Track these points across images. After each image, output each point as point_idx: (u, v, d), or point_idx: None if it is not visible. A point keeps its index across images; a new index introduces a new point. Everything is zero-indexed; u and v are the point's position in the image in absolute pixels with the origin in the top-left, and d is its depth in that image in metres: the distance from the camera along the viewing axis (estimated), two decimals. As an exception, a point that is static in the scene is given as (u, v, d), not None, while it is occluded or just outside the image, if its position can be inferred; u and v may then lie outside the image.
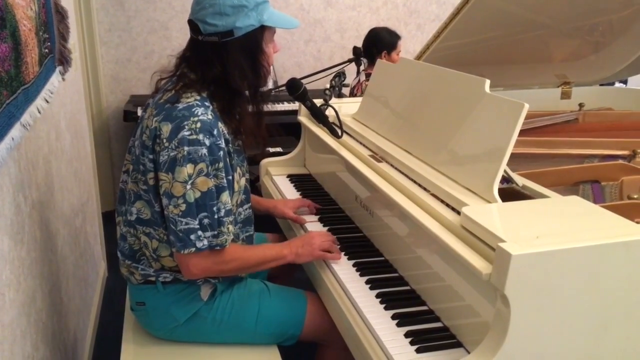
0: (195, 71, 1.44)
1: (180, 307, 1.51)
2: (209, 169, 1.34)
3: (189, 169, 1.32)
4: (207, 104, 1.39)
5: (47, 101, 1.59)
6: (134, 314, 1.61)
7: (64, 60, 1.91)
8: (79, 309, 2.11)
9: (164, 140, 1.34)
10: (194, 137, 1.33)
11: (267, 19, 1.42)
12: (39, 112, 1.48)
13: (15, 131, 1.25)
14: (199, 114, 1.35)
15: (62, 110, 2.11)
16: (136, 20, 3.73)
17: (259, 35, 1.43)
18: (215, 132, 1.36)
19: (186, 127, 1.33)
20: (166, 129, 1.35)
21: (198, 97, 1.40)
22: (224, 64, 1.41)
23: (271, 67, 1.53)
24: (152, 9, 3.73)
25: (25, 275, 1.37)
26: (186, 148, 1.32)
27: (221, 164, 1.37)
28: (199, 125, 1.34)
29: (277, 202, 1.90)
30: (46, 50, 1.65)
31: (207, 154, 1.34)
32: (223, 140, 1.38)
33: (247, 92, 1.49)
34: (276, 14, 1.45)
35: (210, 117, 1.37)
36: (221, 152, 1.37)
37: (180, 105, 1.37)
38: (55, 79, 1.75)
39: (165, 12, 3.76)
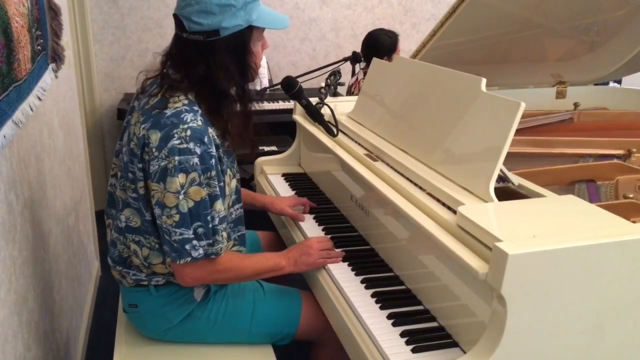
0: (179, 71, 1.39)
1: (173, 309, 1.49)
2: (202, 178, 1.31)
3: (180, 178, 1.29)
4: (195, 107, 1.35)
5: (40, 99, 1.58)
6: (126, 316, 1.59)
7: (57, 58, 1.90)
8: (71, 308, 2.10)
9: (153, 150, 1.30)
10: (185, 146, 1.29)
11: (255, 19, 1.37)
12: (31, 110, 1.47)
13: (7, 129, 1.24)
14: (188, 120, 1.31)
15: (55, 108, 2.10)
16: (130, 18, 3.71)
17: (247, 35, 1.38)
18: (205, 139, 1.32)
19: (176, 135, 1.29)
20: (155, 137, 1.31)
21: (186, 101, 1.35)
22: (209, 64, 1.36)
23: (260, 66, 1.48)
24: (146, 7, 3.71)
25: (17, 274, 1.36)
26: (177, 158, 1.29)
27: (213, 172, 1.33)
28: (189, 133, 1.30)
29: (274, 199, 1.89)
30: (39, 48, 1.63)
31: (198, 163, 1.30)
32: (214, 147, 1.35)
33: (233, 92, 1.45)
34: (266, 12, 1.41)
35: (199, 123, 1.32)
36: (213, 160, 1.33)
37: (168, 112, 1.32)
38: (48, 77, 1.73)
39: (159, 10, 3.74)
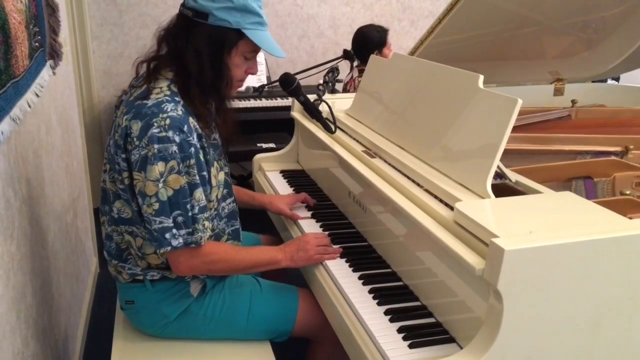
0: (168, 44, 1.41)
1: (170, 304, 1.49)
2: (180, 166, 1.32)
3: (160, 167, 1.30)
4: (177, 98, 1.36)
5: (38, 95, 1.58)
6: (124, 313, 1.60)
7: (55, 54, 1.90)
8: (70, 304, 2.10)
9: (135, 139, 1.32)
10: (163, 134, 1.30)
11: (248, 29, 1.36)
12: (29, 106, 1.47)
13: (5, 125, 1.24)
14: (168, 110, 1.32)
15: (53, 105, 2.09)
16: (128, 15, 3.70)
17: (232, 38, 1.37)
18: (185, 128, 1.33)
19: (155, 124, 1.30)
20: (136, 127, 1.32)
21: (168, 92, 1.37)
22: (187, 41, 1.37)
23: (236, 83, 1.46)
24: (144, 4, 3.71)
25: (15, 270, 1.36)
26: (156, 146, 1.30)
27: (192, 161, 1.34)
28: (168, 122, 1.31)
29: (273, 198, 1.88)
30: (36, 44, 1.63)
31: (177, 151, 1.31)
32: (195, 136, 1.36)
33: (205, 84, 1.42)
34: (265, 35, 1.40)
35: (180, 112, 1.33)
36: (192, 149, 1.34)
37: (150, 102, 1.34)
38: (45, 73, 1.73)
39: (157, 7, 3.74)
